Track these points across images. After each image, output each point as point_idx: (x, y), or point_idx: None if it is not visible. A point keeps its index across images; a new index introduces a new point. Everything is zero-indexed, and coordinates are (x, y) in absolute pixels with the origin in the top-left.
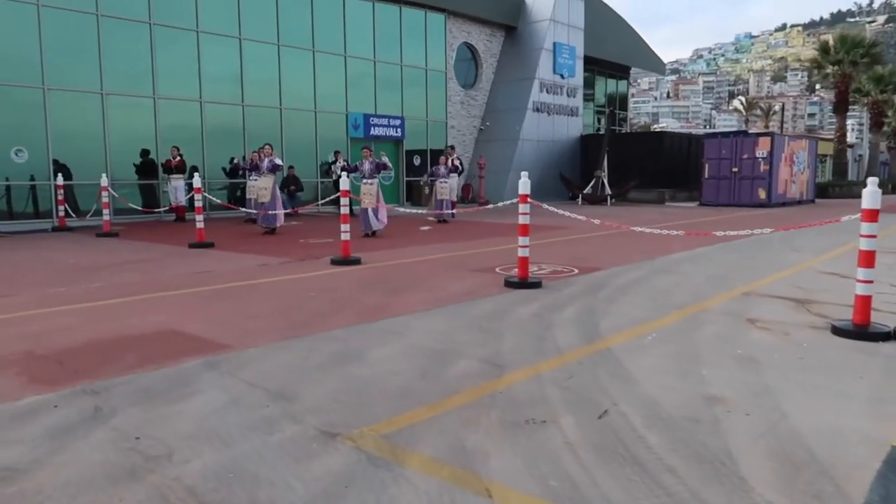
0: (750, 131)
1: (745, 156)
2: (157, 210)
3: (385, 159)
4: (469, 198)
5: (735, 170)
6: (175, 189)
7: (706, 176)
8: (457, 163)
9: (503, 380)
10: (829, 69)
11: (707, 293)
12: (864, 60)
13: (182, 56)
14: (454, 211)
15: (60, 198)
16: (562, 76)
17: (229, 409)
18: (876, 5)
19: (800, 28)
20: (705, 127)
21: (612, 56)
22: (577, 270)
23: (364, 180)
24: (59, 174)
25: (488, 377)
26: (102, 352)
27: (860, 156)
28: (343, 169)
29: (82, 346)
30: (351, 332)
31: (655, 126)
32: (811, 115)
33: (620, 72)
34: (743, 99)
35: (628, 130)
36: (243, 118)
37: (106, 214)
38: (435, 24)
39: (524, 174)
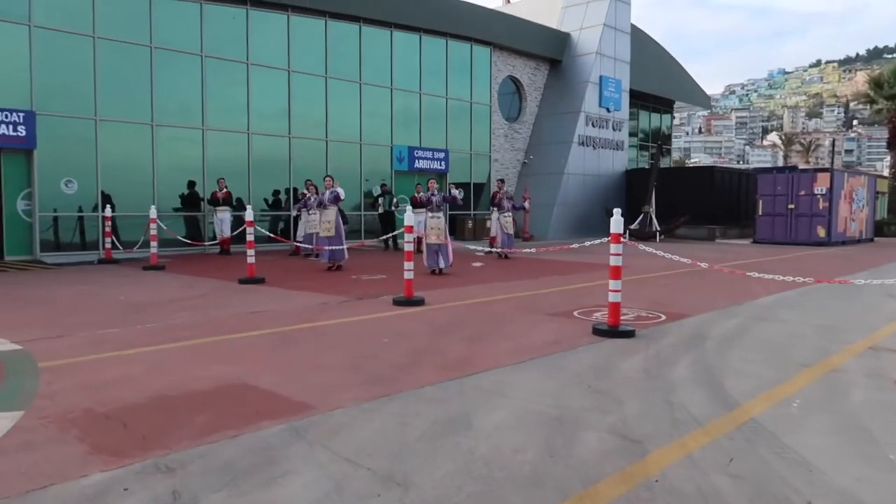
0: (801, 167)
1: (803, 192)
2: (201, 243)
3: (455, 191)
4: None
5: (792, 206)
6: (221, 221)
7: (760, 213)
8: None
9: (650, 461)
10: (882, 104)
11: (828, 348)
12: None
13: (231, 88)
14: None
15: (108, 230)
16: (608, 110)
17: (334, 499)
18: None
19: (835, 64)
20: (738, 162)
21: (657, 90)
22: (664, 317)
23: (431, 214)
24: (108, 205)
25: (630, 456)
26: (170, 411)
27: None
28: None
29: (146, 403)
30: (444, 390)
31: (688, 161)
32: (848, 152)
33: (664, 105)
34: (783, 134)
35: (670, 165)
36: (289, 150)
37: (153, 247)
38: (481, 57)
39: (617, 211)
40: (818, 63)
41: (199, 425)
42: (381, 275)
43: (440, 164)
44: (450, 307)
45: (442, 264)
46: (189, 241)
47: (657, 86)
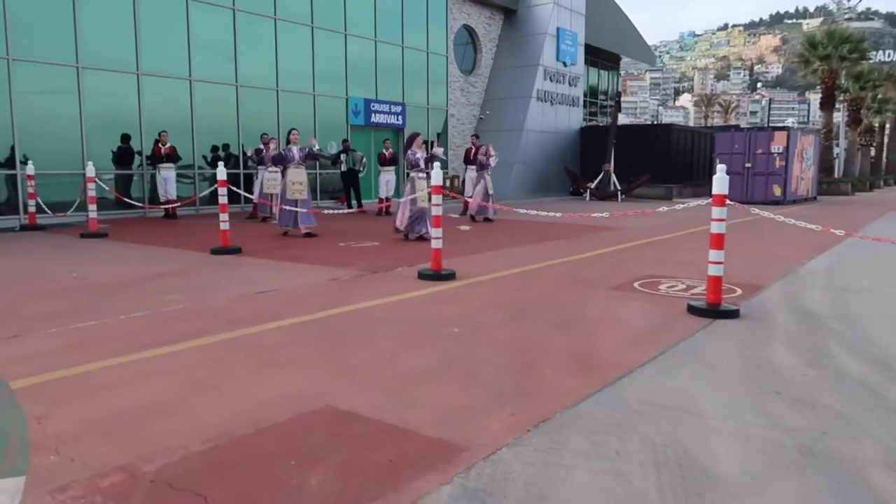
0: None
1: (760, 151)
2: (156, 206)
3: (438, 150)
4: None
5: (748, 165)
6: (165, 181)
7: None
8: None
9: None
10: (817, 64)
11: None
12: (854, 56)
13: (169, 27)
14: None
15: (31, 190)
16: (564, 64)
17: None
18: (812, 8)
19: (741, 28)
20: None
21: (608, 44)
22: (739, 290)
23: (419, 175)
24: (30, 162)
25: None
26: (259, 465)
27: (836, 154)
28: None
29: (214, 452)
30: (608, 407)
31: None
32: (753, 113)
33: (611, 61)
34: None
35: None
36: (237, 100)
37: (92, 211)
38: (436, 3)
39: (721, 167)
40: (725, 27)
41: (321, 493)
42: (371, 241)
43: (397, 119)
44: (487, 282)
45: (425, 230)
46: (140, 205)
47: (607, 40)
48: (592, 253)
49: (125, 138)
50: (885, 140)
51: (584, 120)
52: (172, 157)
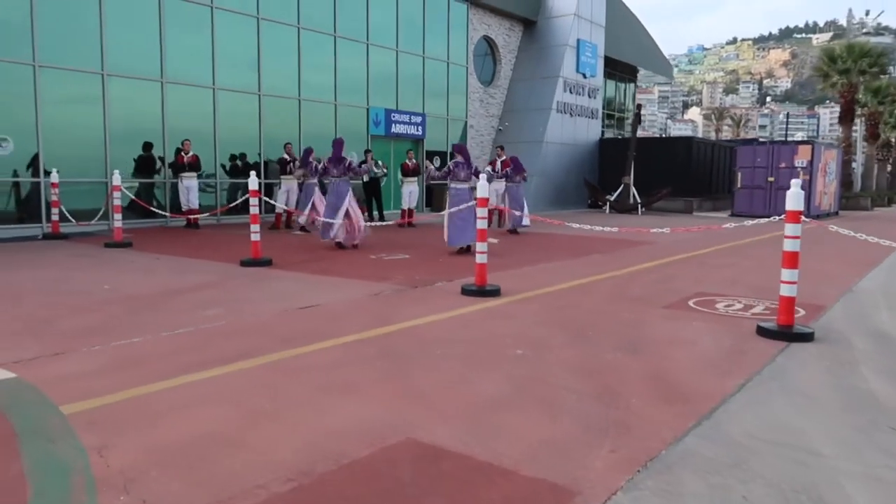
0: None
1: (783, 164)
2: (179, 215)
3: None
4: None
5: (771, 179)
6: (188, 190)
7: (739, 185)
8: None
9: None
10: (836, 78)
11: None
12: (874, 70)
13: (194, 34)
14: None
15: (55, 198)
16: (584, 76)
17: None
18: (822, 23)
19: (750, 42)
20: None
21: (626, 56)
22: (802, 311)
23: (457, 187)
24: (55, 170)
25: None
26: None
27: (854, 168)
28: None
29: (297, 495)
30: (713, 444)
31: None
32: (762, 127)
33: (628, 73)
34: (714, 110)
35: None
36: (259, 109)
37: (118, 220)
38: (457, 13)
39: (795, 182)
40: (734, 40)
41: None
42: (400, 253)
43: (417, 130)
44: (534, 298)
45: (469, 240)
46: (165, 214)
47: (624, 52)
48: (632, 268)
49: (147, 146)
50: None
51: (602, 132)
52: (195, 165)
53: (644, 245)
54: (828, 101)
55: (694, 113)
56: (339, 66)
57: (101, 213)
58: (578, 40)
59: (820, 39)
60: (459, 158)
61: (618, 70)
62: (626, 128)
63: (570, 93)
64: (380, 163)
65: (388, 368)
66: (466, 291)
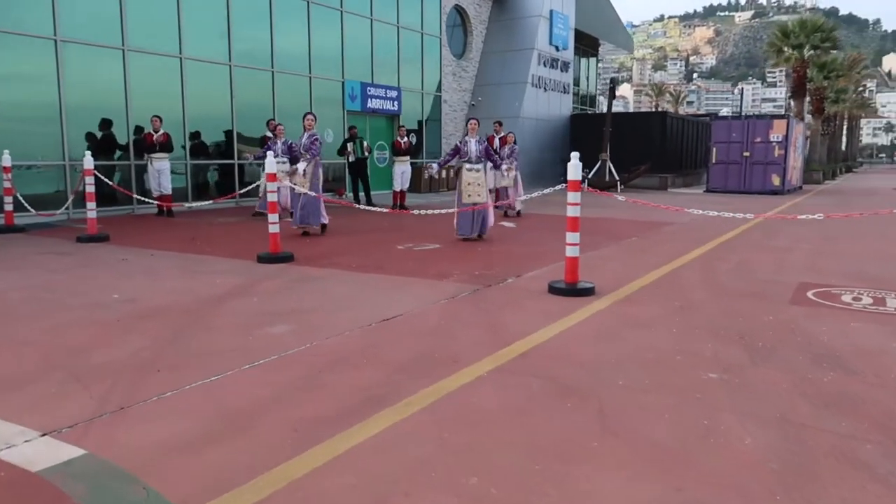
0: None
1: (759, 139)
2: (172, 203)
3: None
4: None
5: (747, 154)
6: (158, 173)
7: (714, 160)
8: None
9: None
10: (789, 52)
11: None
12: (826, 45)
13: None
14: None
15: (7, 185)
16: (556, 48)
17: None
18: (743, 2)
19: (676, 20)
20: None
21: (590, 28)
22: None
23: (469, 167)
24: (6, 151)
25: None
26: None
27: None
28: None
29: None
30: None
31: None
32: (690, 103)
33: (591, 47)
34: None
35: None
36: (230, 81)
37: (91, 210)
38: None
39: None
40: (661, 18)
41: None
42: (427, 243)
43: (393, 105)
44: (638, 297)
45: (481, 229)
46: (146, 199)
47: (589, 24)
48: (691, 255)
49: (105, 124)
50: (844, 129)
51: (573, 107)
52: (166, 146)
53: (665, 226)
54: (750, 78)
55: (625, 89)
56: (312, 34)
57: (70, 200)
58: (552, 11)
59: (742, 17)
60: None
61: (582, 43)
62: (591, 103)
63: (545, 66)
64: (365, 143)
65: (584, 413)
66: (556, 290)
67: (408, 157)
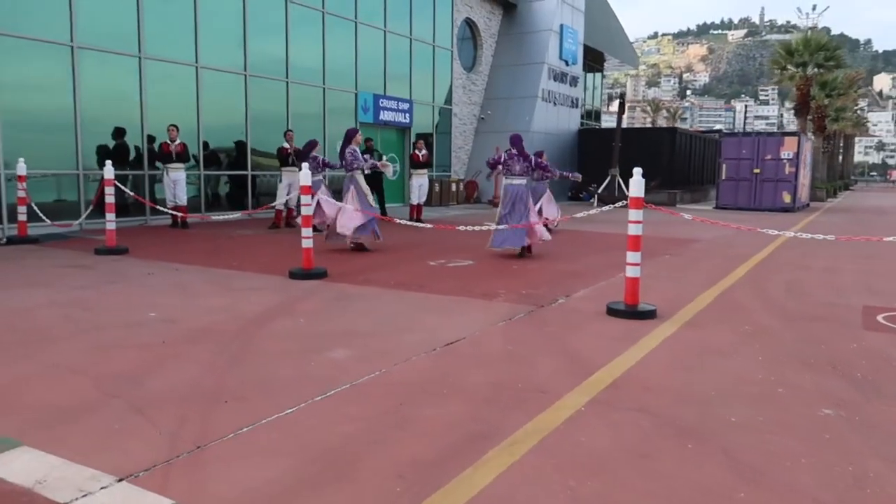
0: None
1: (769, 156)
2: (164, 212)
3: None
4: (475, 197)
5: (757, 171)
6: (175, 183)
7: (723, 177)
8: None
9: None
10: (792, 70)
11: None
12: (830, 63)
13: (174, 4)
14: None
15: (23, 194)
16: (566, 63)
17: None
18: (736, 20)
19: (670, 37)
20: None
21: (597, 43)
22: None
23: (507, 180)
24: (21, 159)
25: None
26: None
27: None
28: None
29: None
30: None
31: None
32: (683, 119)
33: (597, 63)
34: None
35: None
36: (245, 91)
37: (111, 221)
38: None
39: None
40: (656, 35)
41: None
42: (461, 259)
43: (404, 117)
44: (703, 320)
45: (527, 242)
46: (163, 209)
47: (594, 39)
48: (736, 274)
49: (119, 133)
50: (842, 148)
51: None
52: (183, 155)
53: (692, 242)
54: (743, 95)
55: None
56: (327, 45)
57: (88, 211)
58: (562, 25)
59: (735, 36)
60: (514, 150)
61: (587, 58)
62: (596, 118)
63: (554, 80)
64: (384, 158)
65: (711, 457)
66: (615, 312)
67: (426, 171)
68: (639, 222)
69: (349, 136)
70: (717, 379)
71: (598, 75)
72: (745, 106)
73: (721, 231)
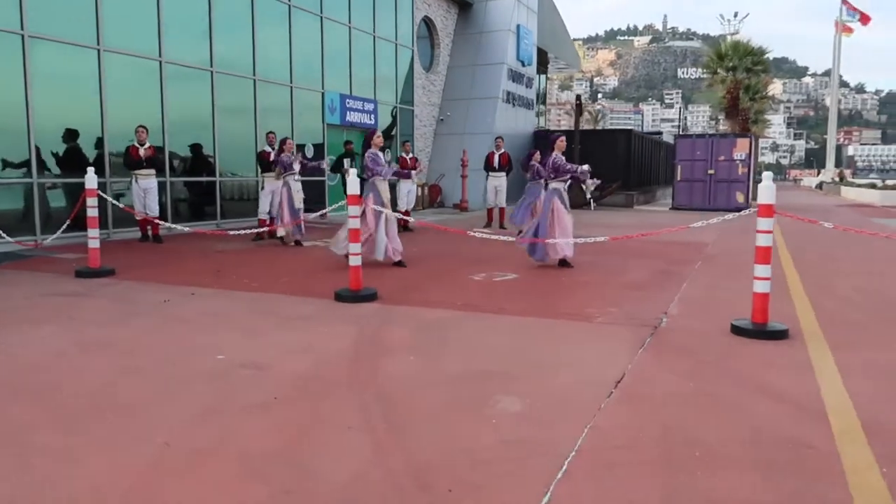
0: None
1: (722, 157)
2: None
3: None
4: (438, 202)
5: (711, 172)
6: (145, 192)
7: (679, 178)
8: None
9: None
10: (722, 74)
11: None
12: (758, 68)
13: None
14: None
15: None
16: (522, 63)
17: None
18: (641, 27)
19: (580, 42)
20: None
21: (542, 44)
22: None
23: (553, 186)
24: None
25: None
26: None
27: None
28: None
29: None
30: None
31: None
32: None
33: (541, 64)
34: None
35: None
36: (212, 88)
37: (94, 238)
38: None
39: None
40: None
41: None
42: (501, 272)
43: (370, 118)
44: (839, 337)
45: (568, 252)
46: (169, 223)
47: (542, 39)
48: (790, 279)
49: (71, 135)
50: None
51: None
52: (154, 161)
53: (703, 246)
54: (650, 99)
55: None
56: (294, 41)
57: (64, 226)
58: (518, 26)
59: (640, 42)
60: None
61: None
62: (541, 121)
63: (513, 81)
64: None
65: None
66: (742, 331)
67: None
68: (769, 232)
69: (367, 139)
70: None
71: (544, 77)
72: (653, 109)
73: (711, 232)
